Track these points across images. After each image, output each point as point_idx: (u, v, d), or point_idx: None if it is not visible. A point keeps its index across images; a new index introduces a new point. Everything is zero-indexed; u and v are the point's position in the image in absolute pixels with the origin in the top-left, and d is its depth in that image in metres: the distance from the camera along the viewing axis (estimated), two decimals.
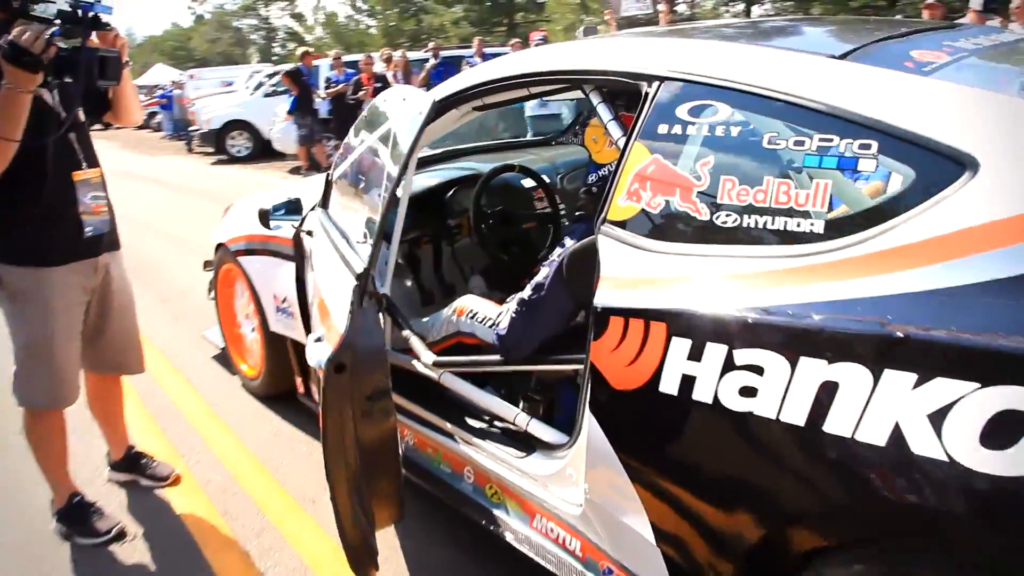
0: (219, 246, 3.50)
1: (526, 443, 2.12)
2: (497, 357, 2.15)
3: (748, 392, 1.29)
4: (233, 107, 14.66)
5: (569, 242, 1.95)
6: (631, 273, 1.54)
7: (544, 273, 1.96)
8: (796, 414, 1.23)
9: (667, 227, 1.52)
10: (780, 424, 1.25)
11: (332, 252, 2.31)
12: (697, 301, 1.40)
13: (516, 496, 2.04)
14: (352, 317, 1.82)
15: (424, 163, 3.19)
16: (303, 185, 3.56)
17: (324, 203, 2.72)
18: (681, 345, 1.40)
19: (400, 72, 10.56)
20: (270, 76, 15.09)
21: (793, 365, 1.23)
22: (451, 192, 2.91)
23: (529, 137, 4.13)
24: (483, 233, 2.59)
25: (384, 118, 2.32)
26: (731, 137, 1.46)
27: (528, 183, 3.07)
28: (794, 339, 1.25)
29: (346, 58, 11.78)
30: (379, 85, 9.75)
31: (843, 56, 1.45)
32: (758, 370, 1.28)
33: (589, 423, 1.63)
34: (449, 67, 10.57)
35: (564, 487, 1.89)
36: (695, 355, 1.38)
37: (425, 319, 2.72)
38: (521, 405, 2.19)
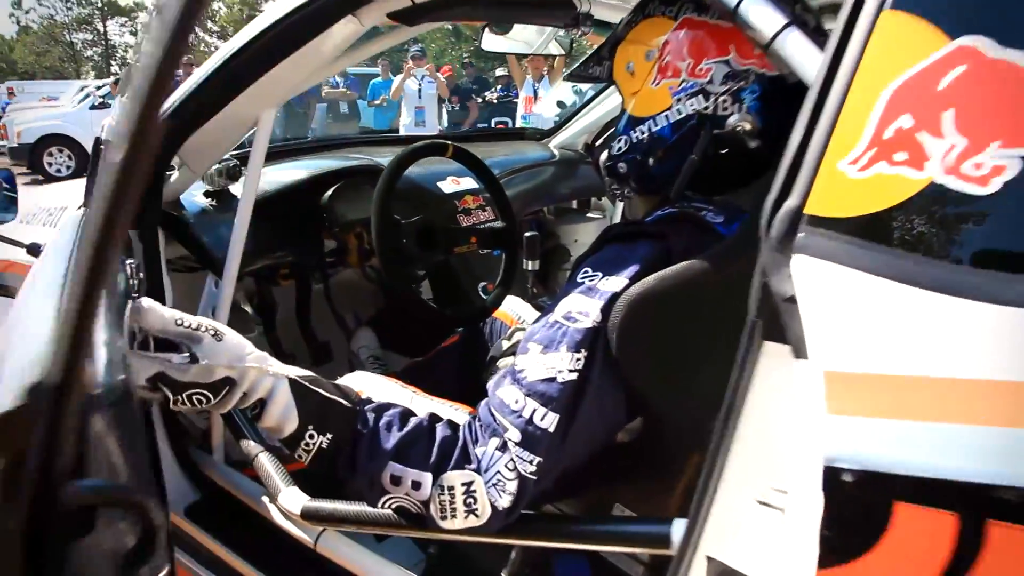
0: None
1: None
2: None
3: None
4: (51, 119, 12.52)
5: (608, 282, 0.90)
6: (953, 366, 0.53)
7: (568, 359, 0.88)
8: None
9: None
10: None
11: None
12: None
13: None
14: None
15: (278, 154, 2.05)
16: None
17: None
18: None
19: None
20: (99, 88, 13.17)
21: None
22: (329, 193, 1.78)
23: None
24: (391, 260, 1.48)
25: None
26: None
27: (452, 185, 2.00)
28: None
29: None
30: None
31: None
32: None
33: None
34: None
35: None
36: None
37: None
38: None
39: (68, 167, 12.30)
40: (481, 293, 1.86)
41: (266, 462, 1.30)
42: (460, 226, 1.88)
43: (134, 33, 39.34)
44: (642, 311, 0.84)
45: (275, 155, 2.05)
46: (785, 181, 0.63)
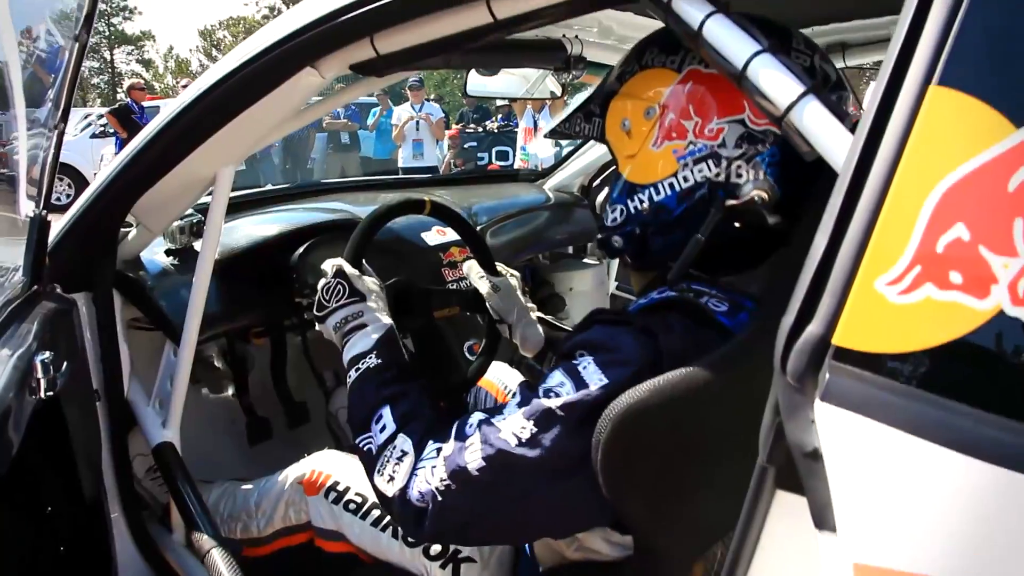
0: None
1: None
2: None
3: None
4: None
5: (594, 376, 0.77)
6: None
7: (520, 424, 0.80)
8: None
9: None
10: None
11: None
12: None
13: None
14: None
15: (247, 204, 1.92)
16: None
17: None
18: None
19: None
20: (100, 116, 13.19)
21: None
22: (300, 252, 1.65)
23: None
24: None
25: None
26: None
27: (436, 237, 1.88)
28: None
29: None
30: None
31: None
32: None
33: None
34: None
35: None
36: None
37: (245, 485, 1.46)
38: None
39: (68, 195, 12.24)
40: (467, 354, 1.72)
41: (218, 560, 1.17)
42: (442, 284, 1.76)
43: (141, 61, 39.71)
44: (630, 429, 0.70)
45: (251, 203, 1.93)
46: (806, 299, 0.50)
